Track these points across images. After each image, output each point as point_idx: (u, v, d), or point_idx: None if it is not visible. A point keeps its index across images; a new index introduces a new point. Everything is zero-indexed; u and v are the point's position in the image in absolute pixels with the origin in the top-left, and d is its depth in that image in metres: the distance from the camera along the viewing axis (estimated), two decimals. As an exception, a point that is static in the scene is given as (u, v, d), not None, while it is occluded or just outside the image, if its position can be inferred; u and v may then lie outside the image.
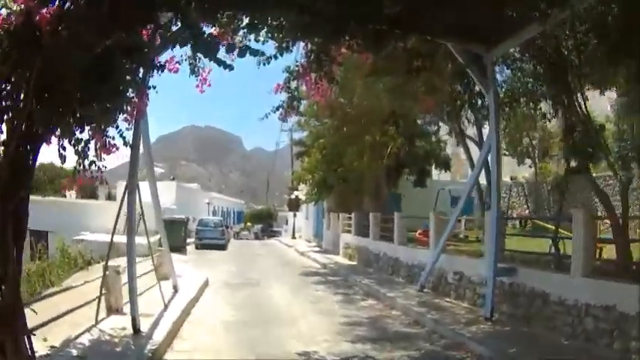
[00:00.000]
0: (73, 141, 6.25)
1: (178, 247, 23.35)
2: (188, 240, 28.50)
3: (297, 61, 9.35)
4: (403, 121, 20.29)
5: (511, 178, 32.53)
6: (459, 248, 15.13)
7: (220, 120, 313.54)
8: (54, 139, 6.02)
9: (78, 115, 6.15)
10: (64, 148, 6.21)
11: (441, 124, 20.36)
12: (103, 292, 8.91)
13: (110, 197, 36.94)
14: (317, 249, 28.63)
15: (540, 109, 15.24)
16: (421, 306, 11.36)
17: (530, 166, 30.44)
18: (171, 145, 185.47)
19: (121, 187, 38.85)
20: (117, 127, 7.07)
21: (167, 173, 42.32)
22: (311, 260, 23.42)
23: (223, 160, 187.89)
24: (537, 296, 9.29)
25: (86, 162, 6.63)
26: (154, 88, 7.29)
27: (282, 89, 9.89)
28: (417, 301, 11.88)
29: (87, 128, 6.53)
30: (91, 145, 6.63)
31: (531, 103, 14.59)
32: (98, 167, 6.76)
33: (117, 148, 7.28)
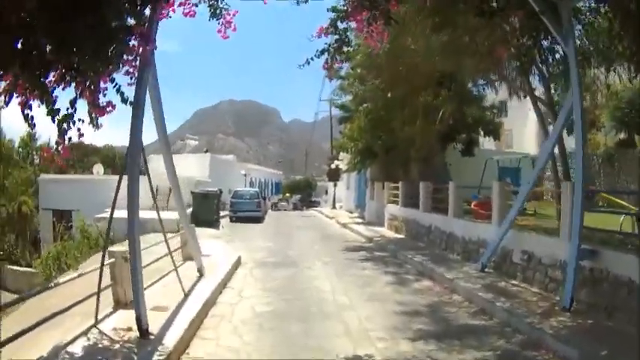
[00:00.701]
0: (42, 95, 4.55)
1: (211, 221, 21.98)
2: (222, 213, 27.18)
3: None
4: (455, 83, 18.13)
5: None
6: (518, 223, 13.19)
7: (258, 93, 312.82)
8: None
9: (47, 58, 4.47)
10: (29, 106, 4.57)
11: (496, 86, 18.14)
12: (110, 282, 7.39)
13: (141, 172, 35.97)
14: (359, 220, 26.90)
15: (615, 70, 13.19)
16: (486, 290, 9.64)
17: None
18: (208, 119, 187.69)
19: (152, 161, 38.15)
20: (112, 79, 5.41)
21: (203, 146, 40.90)
22: (354, 233, 21.72)
23: (261, 132, 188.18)
24: (622, 284, 7.66)
25: (71, 126, 4.98)
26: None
27: (328, 32, 7.98)
28: (480, 284, 10.16)
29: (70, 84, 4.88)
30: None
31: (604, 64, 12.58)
32: (79, 130, 5.08)
33: (113, 107, 5.64)
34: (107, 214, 18.69)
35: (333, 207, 39.40)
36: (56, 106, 4.62)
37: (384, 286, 10.86)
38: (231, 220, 26.66)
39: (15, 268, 23.51)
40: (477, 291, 9.64)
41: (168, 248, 8.51)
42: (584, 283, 8.45)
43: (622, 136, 22.47)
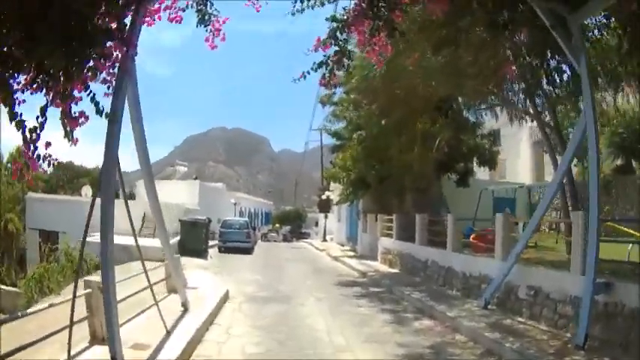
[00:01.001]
0: (4, 97, 3.92)
1: (199, 251, 21.20)
2: (211, 242, 26.38)
3: (344, 9, 6.98)
4: (452, 109, 17.64)
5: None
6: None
7: (248, 122, 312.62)
8: None
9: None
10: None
11: (497, 111, 17.71)
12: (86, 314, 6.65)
13: (131, 197, 35.28)
14: (351, 254, 26.19)
15: (623, 90, 12.78)
16: (492, 329, 8.99)
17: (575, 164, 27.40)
18: (199, 147, 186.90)
19: (141, 185, 37.34)
20: (87, 87, 4.80)
21: (193, 173, 40.08)
22: (346, 267, 20.99)
23: (251, 161, 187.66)
24: (637, 318, 7.18)
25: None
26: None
27: (327, 43, 7.39)
28: (484, 323, 9.51)
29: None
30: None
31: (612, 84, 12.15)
32: (48, 143, 4.44)
33: (86, 118, 5.01)
34: (92, 238, 18.09)
35: (324, 239, 38.62)
36: (24, 117, 4.00)
37: (382, 325, 10.11)
38: (220, 251, 25.84)
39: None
40: (482, 330, 8.99)
41: (148, 280, 7.77)
42: (598, 319, 7.88)
43: (619, 162, 21.93)
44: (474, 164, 23.77)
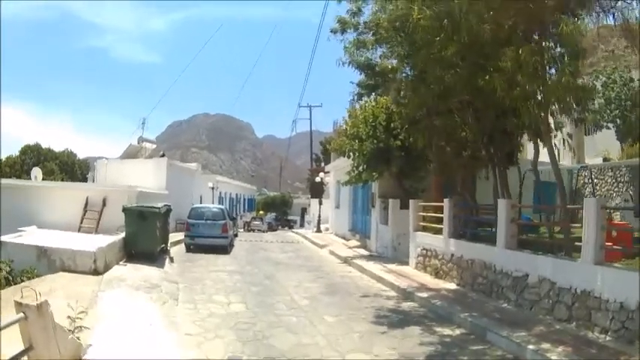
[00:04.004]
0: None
1: (151, 253, 13.98)
2: (175, 237, 19.26)
3: None
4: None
5: (604, 159, 22.59)
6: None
7: (232, 108, 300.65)
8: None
9: None
10: None
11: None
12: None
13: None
14: (364, 252, 18.94)
15: None
16: None
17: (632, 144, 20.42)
18: (183, 133, 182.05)
19: (102, 166, 29.84)
20: None
21: (162, 151, 32.30)
22: (368, 277, 13.88)
23: (234, 147, 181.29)
24: None
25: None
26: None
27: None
28: None
29: None
30: None
31: None
32: None
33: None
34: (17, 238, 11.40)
35: (318, 230, 31.20)
36: None
37: None
38: (188, 249, 18.47)
39: None
40: None
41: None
42: None
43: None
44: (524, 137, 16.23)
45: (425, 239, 13.86)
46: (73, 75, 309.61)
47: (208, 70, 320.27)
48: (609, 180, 21.24)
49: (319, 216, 32.15)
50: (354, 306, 10.04)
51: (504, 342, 7.22)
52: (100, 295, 9.33)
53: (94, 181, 28.75)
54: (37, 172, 26.68)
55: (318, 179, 33.85)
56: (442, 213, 12.96)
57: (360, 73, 16.10)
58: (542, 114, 9.91)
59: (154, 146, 31.80)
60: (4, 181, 20.21)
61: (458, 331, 8.18)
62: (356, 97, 17.92)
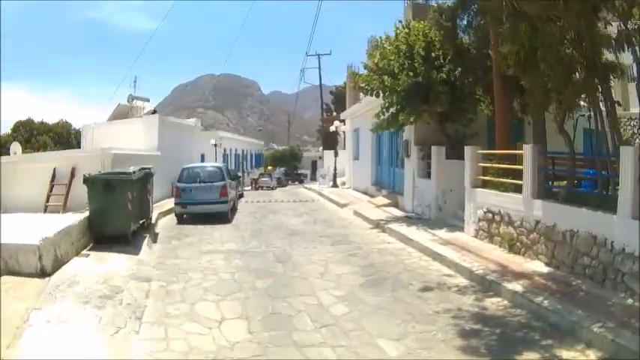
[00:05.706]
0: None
1: (121, 235, 10.30)
2: (167, 205, 15.70)
3: None
4: None
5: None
6: None
7: (237, 67, 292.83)
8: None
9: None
10: None
11: None
12: None
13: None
14: (397, 212, 15.16)
15: None
16: None
17: None
18: (189, 94, 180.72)
19: (88, 131, 26.03)
20: None
21: (156, 110, 28.17)
22: (415, 250, 10.18)
23: (241, 105, 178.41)
24: None
25: None
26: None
27: None
28: None
29: None
30: None
31: None
32: None
33: None
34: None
35: (334, 185, 27.52)
36: None
37: None
38: (179, 221, 14.86)
39: None
40: None
41: None
42: None
43: None
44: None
45: (490, 198, 10.03)
46: (73, 48, 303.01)
47: (213, 30, 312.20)
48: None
49: (335, 169, 28.35)
50: (417, 311, 6.36)
51: None
52: (32, 317, 5.76)
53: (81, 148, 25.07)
54: (16, 147, 22.73)
55: (332, 128, 29.85)
56: (515, 164, 9.16)
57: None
58: None
59: (149, 105, 27.74)
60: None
61: (594, 357, 4.57)
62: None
